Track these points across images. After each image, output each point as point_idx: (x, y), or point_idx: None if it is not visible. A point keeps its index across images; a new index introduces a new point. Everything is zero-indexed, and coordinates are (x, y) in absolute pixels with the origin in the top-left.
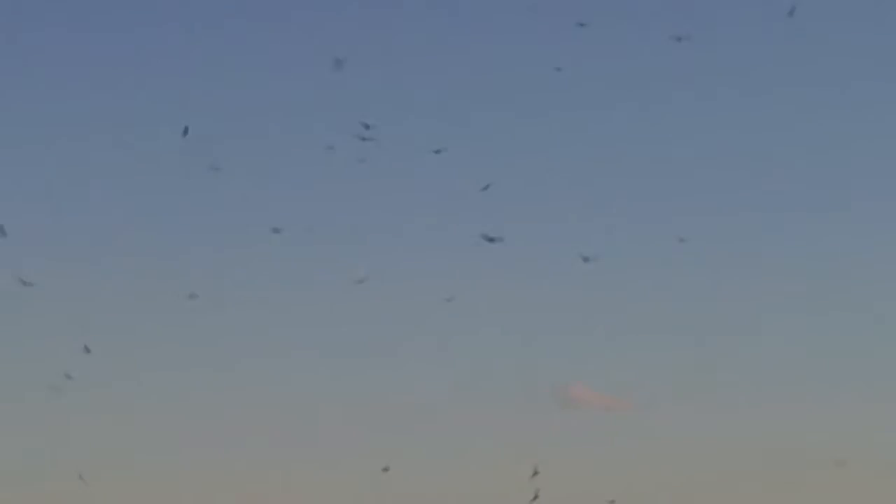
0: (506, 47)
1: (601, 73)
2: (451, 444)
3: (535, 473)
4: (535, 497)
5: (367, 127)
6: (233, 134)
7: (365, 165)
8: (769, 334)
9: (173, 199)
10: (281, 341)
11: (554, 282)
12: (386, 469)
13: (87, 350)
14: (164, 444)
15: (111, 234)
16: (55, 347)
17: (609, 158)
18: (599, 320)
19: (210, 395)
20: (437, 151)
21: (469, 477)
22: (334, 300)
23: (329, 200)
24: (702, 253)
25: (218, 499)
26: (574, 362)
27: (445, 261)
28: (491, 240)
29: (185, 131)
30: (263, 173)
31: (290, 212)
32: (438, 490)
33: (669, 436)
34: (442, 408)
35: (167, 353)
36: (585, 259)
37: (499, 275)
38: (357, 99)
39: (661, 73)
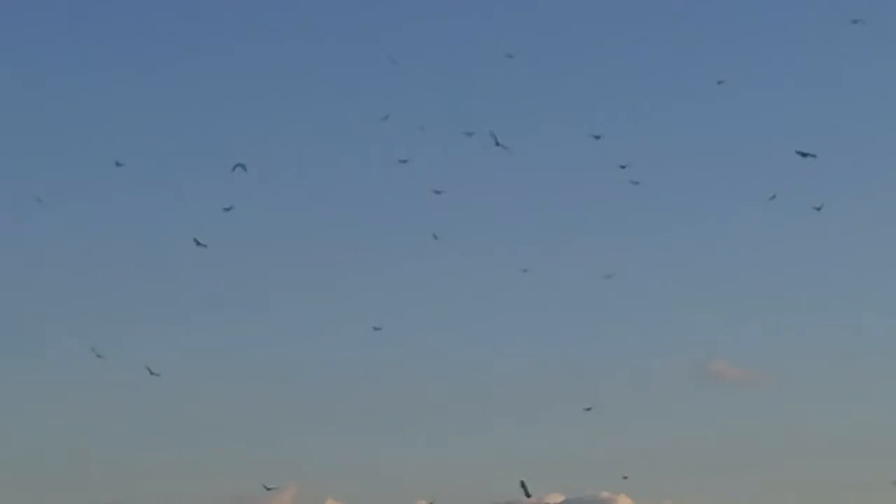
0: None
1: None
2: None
3: (524, 487)
4: (528, 496)
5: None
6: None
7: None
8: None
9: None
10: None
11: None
12: (589, 408)
13: (98, 353)
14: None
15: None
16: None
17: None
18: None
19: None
20: (597, 137)
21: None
22: (502, 288)
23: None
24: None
25: None
26: (716, 337)
27: (603, 242)
28: (805, 155)
29: (386, 117)
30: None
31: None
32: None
33: (803, 411)
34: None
35: None
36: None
37: (653, 253)
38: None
39: (837, 52)
